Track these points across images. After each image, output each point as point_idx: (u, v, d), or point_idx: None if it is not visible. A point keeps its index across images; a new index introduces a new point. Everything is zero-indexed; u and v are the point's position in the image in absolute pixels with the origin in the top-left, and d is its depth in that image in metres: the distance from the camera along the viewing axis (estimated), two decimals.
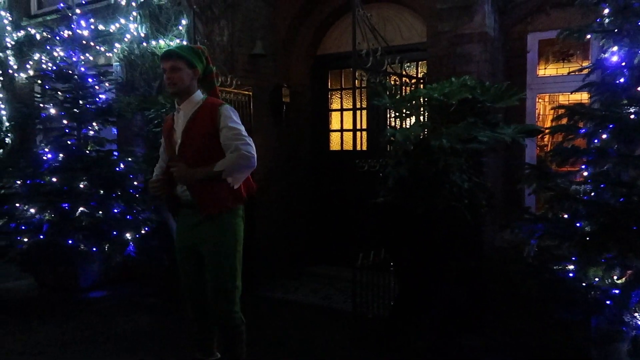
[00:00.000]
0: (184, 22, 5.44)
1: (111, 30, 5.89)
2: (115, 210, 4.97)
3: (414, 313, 3.49)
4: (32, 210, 4.84)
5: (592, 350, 2.82)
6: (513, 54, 4.28)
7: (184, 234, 2.71)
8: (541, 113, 4.52)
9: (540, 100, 4.47)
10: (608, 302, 2.59)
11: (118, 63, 6.01)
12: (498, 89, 3.26)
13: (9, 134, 7.11)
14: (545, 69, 4.38)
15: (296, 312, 4.33)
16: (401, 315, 3.55)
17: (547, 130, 3.58)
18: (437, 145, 2.99)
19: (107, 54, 6.02)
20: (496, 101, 3.22)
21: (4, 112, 7.18)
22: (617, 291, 2.58)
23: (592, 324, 2.73)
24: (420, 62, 4.95)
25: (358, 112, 4.99)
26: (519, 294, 3.19)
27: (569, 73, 3.93)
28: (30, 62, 6.75)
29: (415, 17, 4.91)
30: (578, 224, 2.78)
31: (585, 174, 2.90)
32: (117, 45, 5.91)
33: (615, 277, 2.61)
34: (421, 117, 3.86)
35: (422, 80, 4.36)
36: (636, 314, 2.54)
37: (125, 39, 5.85)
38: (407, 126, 3.73)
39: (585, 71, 2.99)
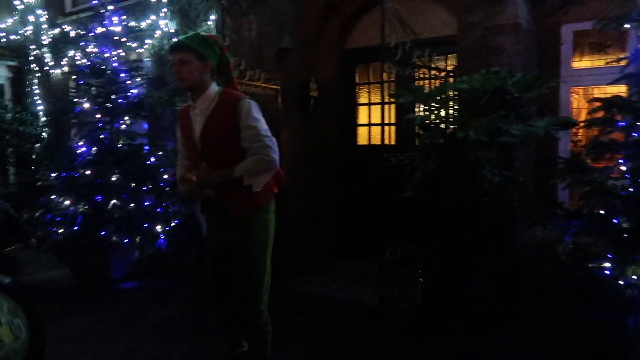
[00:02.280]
0: (212, 17, 5.49)
1: (142, 27, 6.00)
2: (146, 203, 5.07)
3: (442, 309, 3.45)
4: (67, 202, 4.97)
5: (629, 352, 2.73)
6: (546, 46, 4.16)
7: (214, 232, 2.63)
8: (575, 106, 4.39)
9: (574, 94, 4.34)
10: None
11: (149, 58, 6.12)
12: (528, 78, 3.17)
13: (45, 129, 7.34)
14: (580, 61, 4.25)
15: (323, 307, 4.34)
16: (429, 311, 3.52)
17: (582, 124, 3.48)
18: (463, 137, 2.93)
19: (138, 50, 6.14)
20: (526, 91, 3.13)
21: (40, 107, 7.41)
22: None
23: (629, 324, 2.65)
24: (449, 55, 4.86)
25: (386, 106, 4.98)
26: (551, 292, 3.12)
27: (606, 64, 3.80)
28: (65, 59, 6.93)
29: (445, 9, 4.82)
30: (615, 220, 2.69)
31: (623, 168, 2.80)
32: (147, 41, 6.01)
33: None
34: (450, 111, 3.81)
35: (451, 73, 4.29)
36: None
37: (156, 35, 5.95)
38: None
39: (623, 62, 2.89)
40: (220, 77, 2.61)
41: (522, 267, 3.60)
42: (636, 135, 2.70)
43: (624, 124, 2.74)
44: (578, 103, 5.03)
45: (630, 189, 2.69)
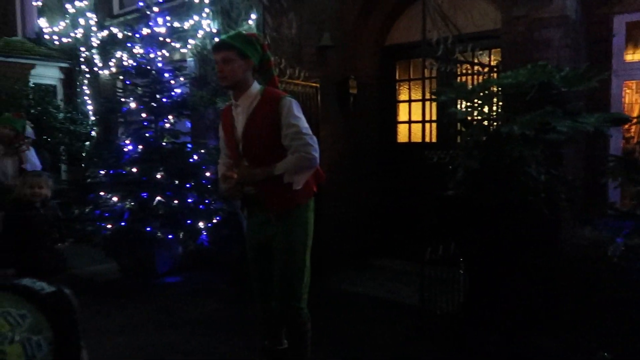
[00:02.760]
0: (253, 16, 5.56)
1: (185, 27, 6.14)
2: (189, 200, 5.19)
3: (485, 310, 3.38)
4: (115, 199, 5.15)
5: None
6: (597, 39, 3.98)
7: (255, 230, 2.66)
8: (628, 101, 4.19)
9: (627, 88, 4.15)
10: None
11: (192, 58, 6.26)
12: (576, 72, 3.04)
13: (94, 127, 7.64)
14: (633, 53, 4.05)
15: (362, 305, 4.33)
16: (471, 312, 3.44)
17: (635, 120, 3.32)
18: (507, 133, 2.84)
19: (182, 50, 6.29)
20: (574, 85, 3.00)
21: (90, 107, 7.72)
22: None
23: None
24: (493, 50, 4.74)
25: (427, 103, 4.91)
26: (601, 295, 2.99)
27: None
28: (113, 60, 7.18)
29: (488, 2, 4.70)
30: None
31: None
32: (190, 41, 6.15)
33: None
34: (494, 108, 3.71)
35: (495, 69, 4.17)
36: None
37: (198, 35, 6.08)
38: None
39: None
40: (261, 74, 2.63)
41: (570, 268, 3.47)
42: None
43: None
44: (631, 98, 4.79)
45: None
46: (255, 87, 2.54)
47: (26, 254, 3.43)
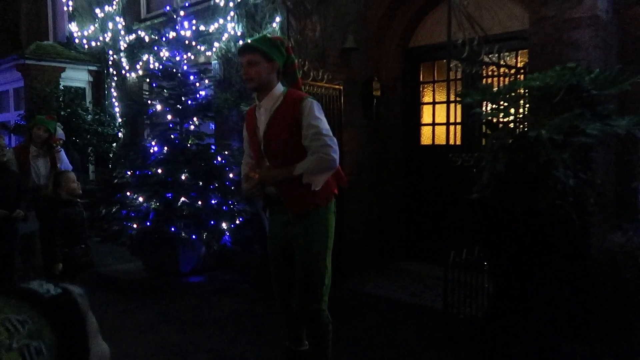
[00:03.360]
0: (278, 19, 5.59)
1: (210, 30, 6.21)
2: (213, 201, 5.25)
3: (510, 316, 3.31)
4: (141, 199, 5.25)
5: None
6: (630, 39, 3.87)
7: (276, 231, 2.68)
8: None
9: None
10: None
11: (216, 61, 6.33)
12: (608, 74, 2.96)
13: (121, 129, 7.80)
14: None
15: (384, 308, 4.30)
16: (496, 317, 3.38)
17: None
18: (534, 136, 2.79)
19: (207, 53, 6.36)
20: (605, 87, 2.92)
21: (117, 109, 7.88)
22: None
23: None
24: (520, 51, 4.66)
25: (452, 105, 4.85)
26: (632, 302, 2.90)
27: None
28: (140, 63, 7.32)
29: (515, 3, 4.63)
30: None
31: None
32: (215, 44, 6.22)
33: None
34: (521, 110, 3.64)
35: (522, 70, 4.10)
36: None
37: (223, 38, 6.14)
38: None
39: None
40: (285, 77, 2.66)
41: (600, 274, 3.38)
42: None
43: None
44: None
45: None
46: (279, 88, 2.58)
47: (67, 249, 3.58)
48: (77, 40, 8.34)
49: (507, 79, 3.99)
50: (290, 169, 2.44)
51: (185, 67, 5.54)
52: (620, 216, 3.48)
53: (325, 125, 2.46)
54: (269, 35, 2.78)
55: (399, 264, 5.42)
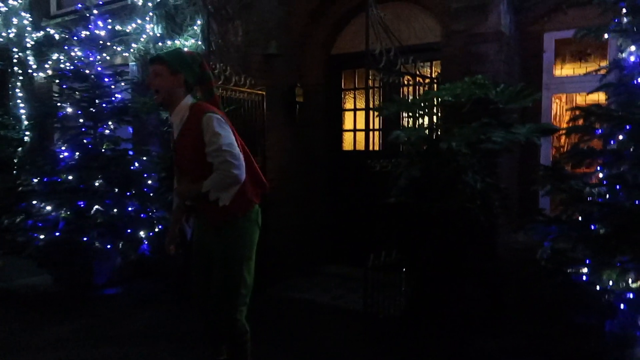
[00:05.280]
0: (199, 22, 5.48)
1: (128, 31, 5.96)
2: (130, 209, 5.03)
3: (427, 314, 3.48)
4: (49, 208, 4.92)
5: (606, 356, 2.77)
6: (529, 54, 4.22)
7: (198, 238, 2.69)
8: (557, 113, 4.46)
9: (556, 101, 4.42)
10: (622, 306, 2.55)
11: (134, 63, 6.09)
12: (512, 90, 3.22)
13: (28, 133, 7.25)
14: (562, 68, 4.32)
15: (308, 311, 4.34)
16: (413, 315, 3.54)
17: (562, 131, 3.54)
18: (445, 147, 2.97)
19: (124, 54, 6.10)
20: (510, 102, 3.18)
21: (23, 111, 7.32)
22: (631, 295, 2.54)
23: (606, 328, 2.69)
24: (434, 62, 4.92)
25: (371, 112, 5.00)
26: (533, 296, 3.15)
27: (585, 73, 3.87)
28: (49, 62, 6.86)
29: (429, 17, 4.88)
30: (592, 227, 2.73)
31: (601, 175, 2.85)
32: (133, 45, 5.97)
33: (629, 281, 2.56)
34: (434, 118, 3.84)
35: (436, 80, 4.33)
36: None
37: (142, 39, 5.91)
38: (418, 126, 3.72)
39: (602, 71, 2.95)
40: (202, 93, 2.64)
41: (506, 271, 3.64)
42: (613, 143, 2.75)
43: (601, 132, 2.79)
44: (560, 110, 5.11)
45: (607, 196, 2.74)
46: (186, 103, 2.53)
47: None
48: None
49: (422, 88, 4.19)
50: (198, 186, 2.43)
51: (99, 69, 5.27)
52: (523, 217, 3.77)
53: (226, 140, 2.40)
54: (184, 49, 2.75)
55: (323, 268, 5.50)
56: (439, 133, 3.72)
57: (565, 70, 4.34)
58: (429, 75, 4.54)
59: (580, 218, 2.83)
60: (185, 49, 2.90)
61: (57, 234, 4.81)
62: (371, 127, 4.90)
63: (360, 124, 5.44)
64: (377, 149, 4.82)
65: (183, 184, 2.56)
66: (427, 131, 3.76)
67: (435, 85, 4.23)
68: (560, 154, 3.53)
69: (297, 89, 5.29)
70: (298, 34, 5.37)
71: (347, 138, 5.67)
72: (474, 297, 3.35)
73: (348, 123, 5.67)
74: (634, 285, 2.56)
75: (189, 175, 2.54)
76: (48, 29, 6.88)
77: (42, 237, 4.86)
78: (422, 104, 3.59)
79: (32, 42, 7.09)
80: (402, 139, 3.24)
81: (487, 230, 3.30)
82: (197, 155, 2.44)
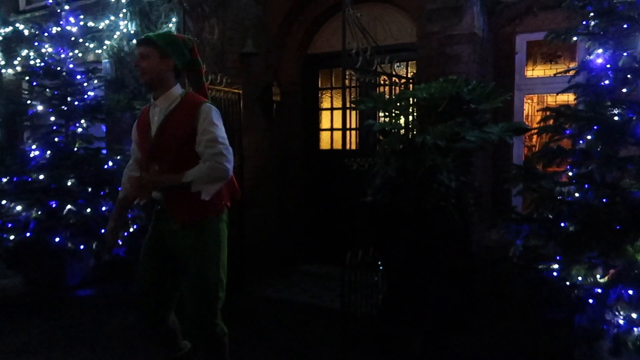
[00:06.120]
0: (174, 19, 5.42)
1: (100, 27, 5.85)
2: (104, 208, 4.95)
3: (403, 312, 3.51)
4: (19, 208, 4.80)
5: (576, 349, 2.86)
6: (502, 55, 4.31)
7: (159, 238, 2.50)
8: (529, 113, 4.57)
9: (528, 101, 4.52)
10: (590, 300, 2.63)
11: (107, 60, 5.98)
12: (484, 89, 3.28)
13: None
14: (533, 69, 4.43)
15: (286, 311, 4.34)
16: (390, 314, 3.57)
17: (534, 130, 3.63)
18: (420, 142, 3.00)
19: (97, 51, 5.98)
20: (482, 102, 3.24)
21: None
22: (599, 290, 2.62)
23: (575, 323, 2.77)
24: (410, 62, 4.97)
25: (348, 111, 5.02)
26: (506, 293, 3.22)
27: (555, 74, 3.97)
28: (18, 58, 6.68)
29: (405, 17, 4.93)
30: (562, 224, 2.81)
31: (570, 174, 2.93)
32: (106, 42, 5.86)
33: (597, 276, 2.65)
34: (410, 117, 3.88)
35: (411, 80, 4.38)
36: (617, 312, 2.58)
37: (115, 36, 5.81)
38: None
39: (571, 73, 3.03)
40: (190, 81, 2.56)
41: (480, 269, 3.71)
42: (582, 143, 2.83)
43: (571, 132, 2.87)
44: (532, 110, 5.22)
45: (576, 194, 2.82)
46: (177, 90, 2.45)
47: None
48: None
49: (398, 88, 4.23)
50: (180, 176, 2.28)
51: (71, 66, 5.17)
52: (496, 215, 3.84)
53: (222, 133, 2.33)
54: (174, 33, 2.64)
55: (300, 267, 5.50)
56: (414, 133, 3.76)
57: (536, 71, 4.44)
58: (405, 76, 4.59)
59: (550, 216, 2.91)
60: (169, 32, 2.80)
61: (28, 234, 4.70)
62: (348, 126, 4.94)
63: (337, 123, 5.46)
64: (354, 148, 4.85)
65: (152, 173, 2.37)
66: (402, 130, 3.80)
67: (410, 85, 4.28)
68: (532, 153, 3.61)
69: (274, 87, 5.28)
70: (275, 32, 5.36)
71: (324, 137, 5.68)
72: (449, 295, 3.40)
73: (325, 122, 5.68)
74: (601, 280, 2.64)
75: (167, 164, 2.37)
76: (17, 25, 6.70)
77: (11, 237, 4.74)
78: (398, 103, 3.62)
79: (0, 38, 6.90)
80: (377, 127, 3.26)
81: (461, 229, 3.35)
82: (183, 143, 2.32)
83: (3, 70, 6.98)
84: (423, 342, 3.41)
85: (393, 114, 3.74)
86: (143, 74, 2.41)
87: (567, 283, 2.70)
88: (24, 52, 6.44)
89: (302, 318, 4.17)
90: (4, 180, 4.97)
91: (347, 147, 4.05)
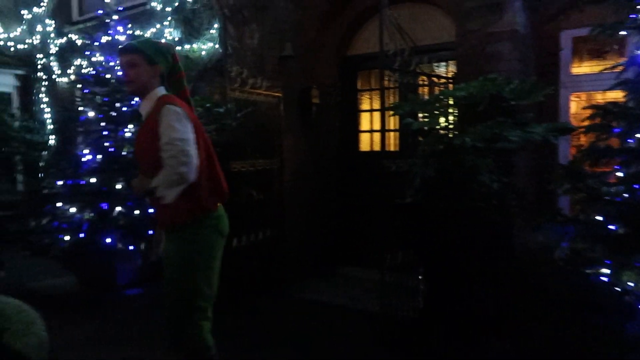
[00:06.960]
0: (216, 25, 5.56)
1: (147, 35, 6.08)
2: (151, 210, 5.12)
3: (442, 315, 3.46)
4: (73, 210, 5.04)
5: (627, 358, 2.73)
6: (545, 52, 4.18)
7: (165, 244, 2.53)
8: (575, 112, 4.40)
9: (574, 99, 4.36)
10: None
11: None
12: (524, 84, 3.19)
13: (52, 137, 7.44)
14: (579, 66, 4.27)
15: (324, 313, 4.36)
16: (429, 317, 3.53)
17: (580, 129, 3.50)
18: (459, 143, 2.95)
19: None
20: (522, 98, 3.15)
21: (47, 116, 7.51)
22: None
23: (627, 330, 2.65)
24: (449, 62, 4.90)
25: (387, 113, 5.01)
26: (551, 297, 3.12)
27: (601, 71, 3.82)
28: (72, 67, 7.03)
29: (444, 16, 4.86)
30: (611, 226, 2.70)
31: (619, 174, 2.81)
32: None
33: None
34: (450, 118, 3.82)
35: (451, 80, 4.32)
36: None
37: None
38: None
39: (619, 68, 2.91)
40: (171, 85, 2.52)
41: (523, 272, 3.60)
42: (631, 141, 2.71)
43: (619, 130, 2.75)
44: (578, 108, 5.03)
45: (625, 195, 2.70)
46: (156, 94, 2.41)
47: None
48: (1, 43, 7.88)
49: (437, 88, 4.18)
50: (149, 181, 2.25)
51: (119, 73, 5.38)
52: (539, 217, 3.73)
53: (180, 135, 2.20)
54: (154, 39, 2.67)
55: (340, 269, 5.51)
56: (454, 133, 3.71)
57: (583, 68, 4.28)
58: (444, 75, 4.53)
59: (598, 218, 2.79)
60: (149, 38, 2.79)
61: (81, 235, 4.93)
62: (387, 127, 4.92)
63: (377, 125, 5.44)
64: (394, 149, 4.82)
65: (137, 179, 2.36)
66: (442, 131, 3.76)
67: (450, 85, 4.22)
68: (578, 151, 3.49)
69: (313, 90, 5.32)
70: (313, 35, 5.40)
71: (364, 139, 5.68)
72: (486, 298, 3.33)
73: (365, 124, 5.68)
74: None
75: (142, 169, 2.38)
76: (70, 35, 7.05)
77: (66, 238, 4.98)
78: (437, 104, 3.58)
79: (56, 48, 7.27)
80: (415, 126, 3.23)
81: (503, 231, 3.27)
82: (150, 149, 2.27)
83: (58, 79, 7.36)
84: (464, 346, 3.35)
85: (432, 115, 3.71)
86: (130, 82, 2.39)
87: (617, 288, 2.59)
88: (77, 61, 6.78)
89: (341, 320, 4.17)
90: (59, 183, 5.23)
91: (387, 148, 4.04)
